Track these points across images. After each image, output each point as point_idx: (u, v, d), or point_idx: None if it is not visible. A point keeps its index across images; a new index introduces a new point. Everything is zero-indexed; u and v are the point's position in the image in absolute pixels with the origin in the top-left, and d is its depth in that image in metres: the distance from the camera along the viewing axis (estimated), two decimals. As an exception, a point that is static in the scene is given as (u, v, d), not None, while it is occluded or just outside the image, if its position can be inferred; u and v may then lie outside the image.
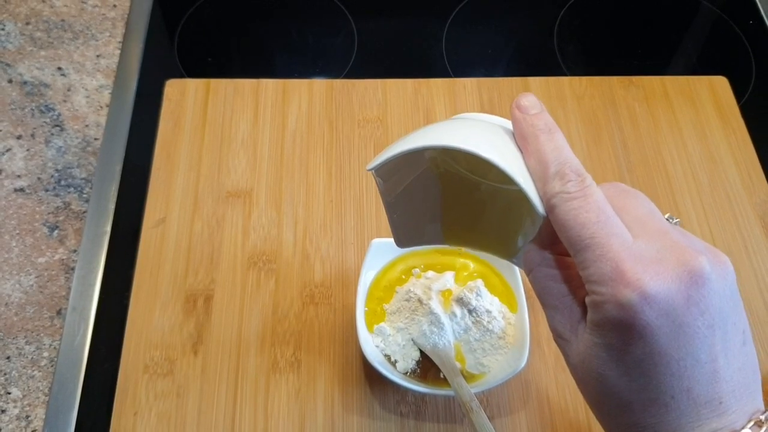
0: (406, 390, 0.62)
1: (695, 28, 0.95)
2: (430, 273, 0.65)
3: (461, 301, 0.61)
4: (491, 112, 0.81)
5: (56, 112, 0.83)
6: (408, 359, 0.61)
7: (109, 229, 0.74)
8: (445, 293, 0.62)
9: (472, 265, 0.65)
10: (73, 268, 0.72)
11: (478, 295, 0.62)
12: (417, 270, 0.65)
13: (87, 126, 0.82)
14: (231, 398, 0.63)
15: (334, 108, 0.81)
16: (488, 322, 0.61)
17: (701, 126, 0.81)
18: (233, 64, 0.90)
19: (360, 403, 0.63)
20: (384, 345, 0.61)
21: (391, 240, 0.65)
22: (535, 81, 0.83)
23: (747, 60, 0.91)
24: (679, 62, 0.92)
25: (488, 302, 0.62)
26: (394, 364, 0.61)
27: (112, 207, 0.75)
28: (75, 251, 0.73)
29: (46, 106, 0.83)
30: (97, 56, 0.88)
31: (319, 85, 0.82)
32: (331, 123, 0.79)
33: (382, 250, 0.65)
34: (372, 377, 0.64)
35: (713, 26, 0.96)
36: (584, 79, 0.84)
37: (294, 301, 0.68)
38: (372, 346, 0.61)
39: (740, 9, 0.96)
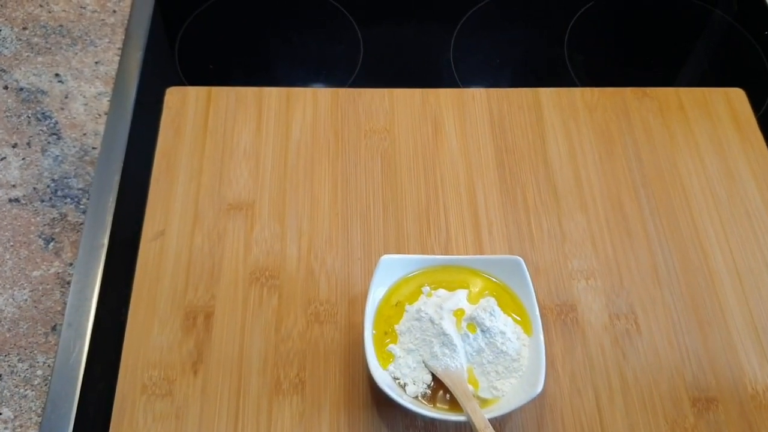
0: (415, 415, 0.59)
1: (708, 38, 0.93)
2: (441, 291, 0.62)
3: (474, 321, 0.59)
4: (500, 123, 0.79)
5: (53, 120, 0.80)
6: (419, 382, 0.58)
7: (106, 241, 0.71)
8: (458, 313, 0.60)
9: (483, 283, 0.63)
10: (69, 282, 0.69)
11: (491, 314, 0.59)
12: (427, 288, 0.62)
13: (85, 134, 0.80)
14: (232, 421, 0.60)
15: (340, 118, 0.78)
16: (502, 343, 0.59)
17: (718, 139, 0.78)
18: (235, 72, 0.87)
19: (367, 427, 0.60)
20: (393, 367, 0.59)
21: (401, 256, 0.63)
22: (545, 92, 0.81)
23: (763, 71, 0.89)
24: (693, 73, 0.90)
25: (502, 323, 0.59)
26: (403, 387, 0.58)
27: (109, 219, 0.73)
28: (71, 264, 0.70)
29: (43, 113, 0.81)
30: (96, 63, 0.85)
31: (324, 94, 0.80)
32: (337, 133, 0.77)
33: (392, 266, 0.62)
34: (380, 401, 0.61)
35: (727, 37, 0.94)
36: (596, 90, 0.82)
37: (298, 319, 0.65)
38: (381, 368, 0.58)
39: (754, 19, 0.94)
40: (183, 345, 0.64)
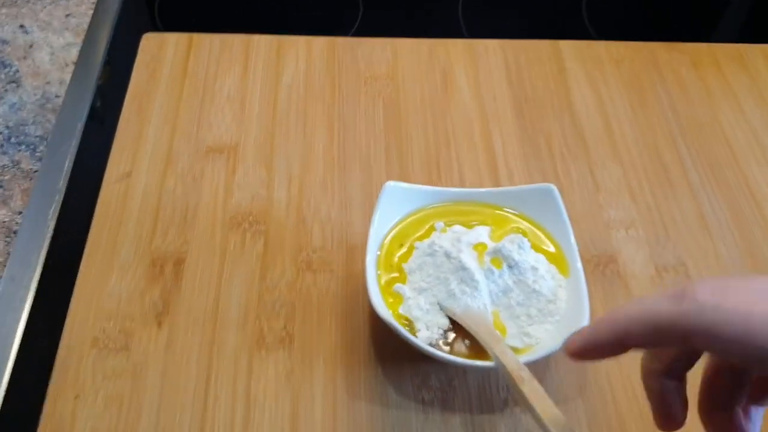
0: (433, 363, 0.48)
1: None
2: (458, 227, 0.52)
3: (500, 255, 0.49)
4: (518, 73, 0.70)
5: (13, 68, 0.71)
6: (433, 327, 0.47)
7: (63, 187, 0.61)
8: (479, 247, 0.49)
9: (508, 221, 0.53)
10: (15, 232, 0.59)
11: (520, 248, 0.49)
12: (441, 224, 0.52)
13: (48, 83, 0.70)
14: (203, 380, 0.49)
15: (337, 66, 0.69)
16: (534, 281, 0.48)
17: (759, 92, 0.70)
18: (219, 26, 0.79)
19: (369, 387, 0.49)
20: (402, 310, 0.48)
21: (409, 185, 0.53)
22: (566, 44, 0.73)
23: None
24: (715, 34, 0.82)
25: (533, 258, 0.49)
26: (415, 334, 0.47)
27: (68, 165, 0.62)
28: (20, 213, 0.60)
29: (2, 62, 0.72)
30: (67, 15, 0.77)
31: (320, 42, 0.71)
32: (333, 80, 0.68)
33: (398, 196, 0.52)
34: (384, 355, 0.50)
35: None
36: (621, 43, 0.74)
37: (287, 268, 0.55)
38: (386, 308, 0.47)
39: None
40: (146, 294, 0.53)
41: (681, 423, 0.34)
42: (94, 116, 0.66)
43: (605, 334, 0.31)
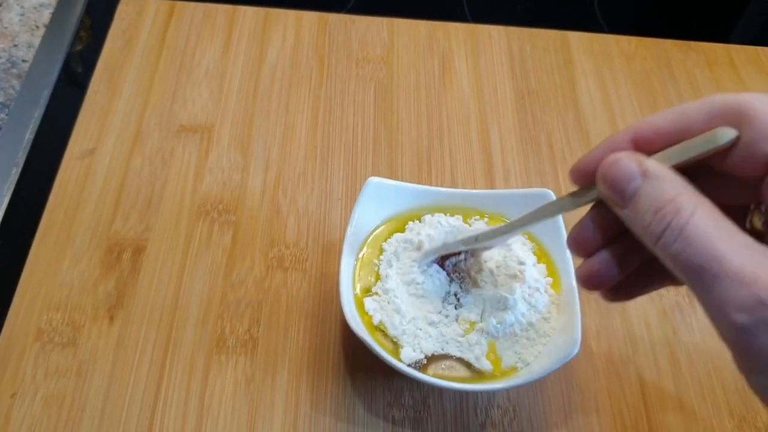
0: (407, 379, 0.44)
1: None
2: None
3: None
4: (522, 63, 0.65)
5: (-22, 28, 0.66)
6: (416, 346, 0.43)
7: (21, 161, 0.56)
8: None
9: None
10: (-35, 208, 0.54)
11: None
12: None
13: (15, 46, 0.65)
14: (153, 383, 0.44)
15: (328, 44, 0.64)
16: (530, 295, 0.44)
17: (779, 99, 0.65)
18: None
19: (336, 401, 0.45)
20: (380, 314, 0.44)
21: (396, 183, 0.49)
22: (575, 36, 0.68)
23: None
24: (738, 32, 0.78)
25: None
26: (398, 350, 0.43)
27: (30, 136, 0.58)
28: (-28, 187, 0.55)
29: (-33, 20, 0.66)
30: (42, -26, 0.71)
31: (311, 17, 0.66)
32: (322, 60, 0.63)
33: (382, 194, 0.48)
34: (355, 367, 0.46)
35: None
36: (633, 38, 0.69)
37: (256, 264, 0.50)
38: (360, 319, 0.43)
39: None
40: (100, 284, 0.48)
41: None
42: (63, 85, 0.61)
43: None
